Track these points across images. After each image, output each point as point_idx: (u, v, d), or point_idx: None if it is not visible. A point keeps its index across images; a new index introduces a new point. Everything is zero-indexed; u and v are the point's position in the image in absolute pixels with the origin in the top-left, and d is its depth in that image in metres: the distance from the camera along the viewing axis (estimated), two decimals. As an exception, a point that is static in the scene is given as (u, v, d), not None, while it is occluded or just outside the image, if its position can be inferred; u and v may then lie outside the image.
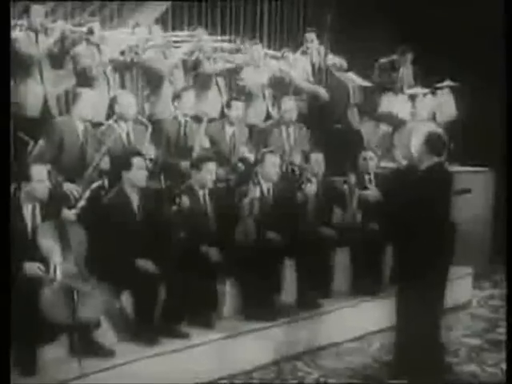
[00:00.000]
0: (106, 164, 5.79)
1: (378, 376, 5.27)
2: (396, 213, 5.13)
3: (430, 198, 4.89)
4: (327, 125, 7.98)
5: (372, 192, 5.83)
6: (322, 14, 9.21)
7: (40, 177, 4.82)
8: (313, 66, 8.22)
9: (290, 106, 7.16)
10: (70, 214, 4.98)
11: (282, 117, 7.17)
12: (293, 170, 6.70)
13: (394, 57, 8.58)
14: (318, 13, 9.53)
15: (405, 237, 5.02)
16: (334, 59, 8.28)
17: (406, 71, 8.62)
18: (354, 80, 8.23)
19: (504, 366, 5.28)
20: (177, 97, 6.58)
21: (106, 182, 5.66)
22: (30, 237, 4.76)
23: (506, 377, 4.96)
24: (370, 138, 8.16)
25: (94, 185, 5.41)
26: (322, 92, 7.99)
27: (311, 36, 8.28)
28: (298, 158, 6.81)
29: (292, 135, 7.13)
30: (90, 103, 5.99)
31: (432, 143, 5.05)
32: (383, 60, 8.66)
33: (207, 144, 6.54)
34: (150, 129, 6.17)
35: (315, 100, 7.98)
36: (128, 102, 6.20)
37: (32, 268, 4.60)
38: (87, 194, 5.24)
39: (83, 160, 5.82)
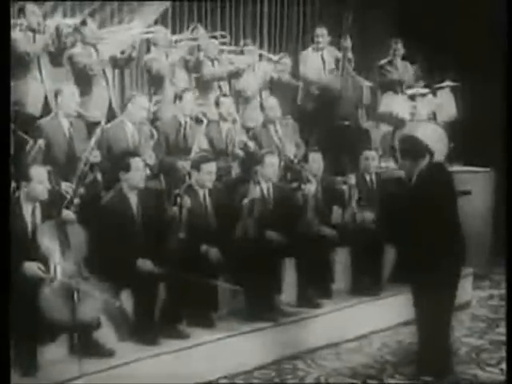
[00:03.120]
0: (96, 158, 5.69)
1: (379, 375, 5.27)
2: (396, 213, 5.11)
3: (429, 198, 4.87)
4: (335, 122, 7.96)
5: (367, 215, 5.81)
6: (325, 13, 9.23)
7: (40, 177, 4.82)
8: (323, 61, 8.19)
9: (272, 103, 7.16)
10: (69, 213, 4.99)
11: (266, 115, 7.17)
12: (292, 161, 6.70)
13: (391, 55, 8.60)
14: (320, 12, 9.55)
15: (406, 237, 5.01)
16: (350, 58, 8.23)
17: (405, 71, 8.62)
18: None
19: (504, 366, 5.27)
20: (178, 97, 6.57)
21: (99, 176, 5.64)
22: (29, 237, 4.76)
23: (506, 377, 4.95)
24: (372, 137, 8.16)
25: (87, 180, 5.39)
26: (335, 87, 7.96)
27: (322, 31, 8.21)
28: (292, 150, 6.83)
29: (280, 131, 7.11)
30: (73, 98, 5.93)
31: (408, 148, 5.02)
32: (383, 60, 8.66)
33: (205, 144, 6.53)
34: (155, 135, 6.17)
35: (326, 96, 7.96)
36: (141, 105, 6.19)
37: (32, 268, 4.60)
38: (81, 190, 5.24)
39: (74, 157, 5.76)
